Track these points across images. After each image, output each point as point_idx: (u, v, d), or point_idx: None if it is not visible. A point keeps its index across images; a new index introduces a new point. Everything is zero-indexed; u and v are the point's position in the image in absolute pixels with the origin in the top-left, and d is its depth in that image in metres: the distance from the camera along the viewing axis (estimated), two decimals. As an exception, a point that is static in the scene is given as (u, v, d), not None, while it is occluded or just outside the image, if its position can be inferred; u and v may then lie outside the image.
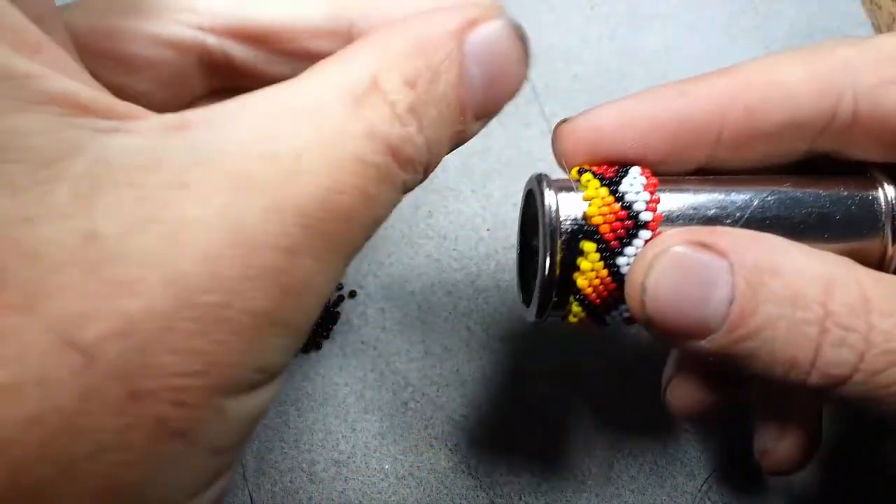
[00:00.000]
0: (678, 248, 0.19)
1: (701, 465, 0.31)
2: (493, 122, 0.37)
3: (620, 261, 0.20)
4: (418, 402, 0.32)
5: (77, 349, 0.12)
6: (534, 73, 0.38)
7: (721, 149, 0.22)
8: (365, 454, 0.31)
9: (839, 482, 0.31)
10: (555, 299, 0.21)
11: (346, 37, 0.21)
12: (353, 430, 0.32)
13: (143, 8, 0.20)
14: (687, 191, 0.21)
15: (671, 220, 0.21)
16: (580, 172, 0.21)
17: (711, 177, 0.22)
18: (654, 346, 0.33)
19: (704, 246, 0.19)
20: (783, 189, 0.21)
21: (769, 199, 0.21)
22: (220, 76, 0.22)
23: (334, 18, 0.21)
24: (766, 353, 0.18)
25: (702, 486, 0.31)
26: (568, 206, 0.21)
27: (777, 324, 0.18)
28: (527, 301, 0.23)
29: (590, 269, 0.20)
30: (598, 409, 0.32)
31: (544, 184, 0.21)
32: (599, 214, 0.20)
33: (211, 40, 0.21)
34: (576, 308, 0.21)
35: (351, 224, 0.15)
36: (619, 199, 0.20)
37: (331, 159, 0.15)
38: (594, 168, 0.21)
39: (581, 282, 0.21)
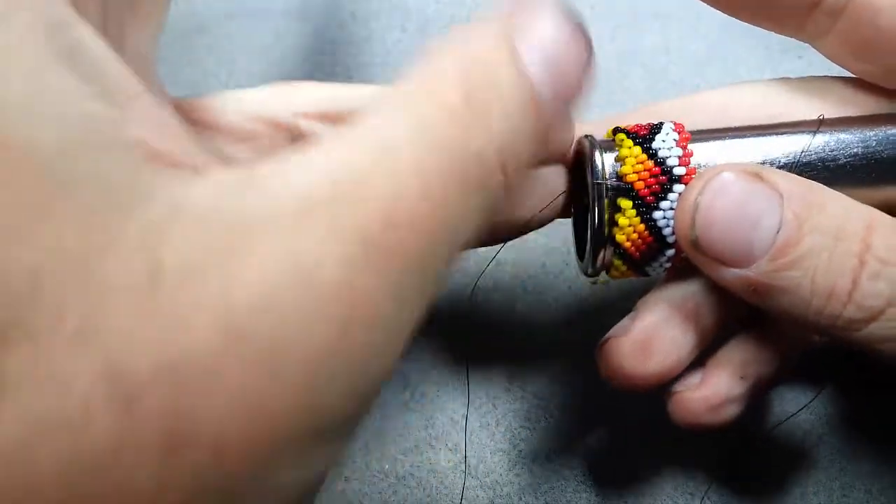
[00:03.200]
0: (733, 174, 0.20)
1: (701, 465, 0.31)
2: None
3: (657, 215, 0.21)
4: (418, 402, 0.32)
5: (121, 386, 0.12)
6: (533, 74, 0.38)
7: None
8: (365, 454, 0.31)
9: (840, 485, 0.31)
10: (604, 254, 0.22)
11: None
12: (353, 430, 0.32)
13: (246, 97, 0.24)
14: (721, 140, 0.22)
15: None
16: (615, 132, 0.22)
17: (746, 125, 0.22)
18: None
19: (757, 176, 0.20)
20: (825, 131, 0.22)
21: (812, 142, 0.22)
22: None
23: None
24: (806, 284, 0.19)
25: (703, 498, 0.31)
26: (608, 166, 0.22)
27: (819, 254, 0.19)
28: (581, 256, 0.24)
29: (627, 225, 0.21)
30: (598, 409, 0.32)
31: (588, 145, 0.22)
32: (633, 172, 0.21)
33: (302, 122, 0.24)
34: (616, 262, 0.23)
35: (420, 235, 0.14)
36: (653, 155, 0.21)
37: (390, 172, 0.14)
38: (628, 127, 0.22)
39: (619, 237, 0.22)
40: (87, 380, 0.12)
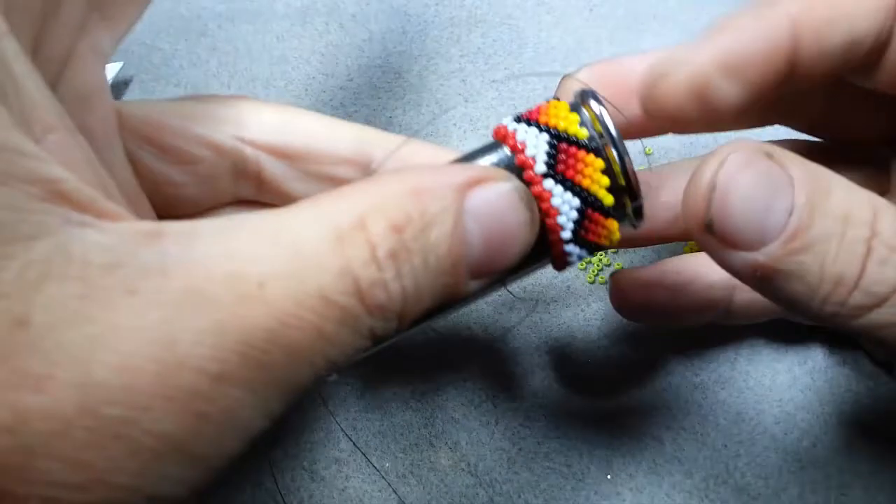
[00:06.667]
0: (748, 154, 0.19)
1: (698, 464, 0.31)
2: (493, 124, 0.37)
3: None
4: (418, 400, 0.32)
5: None
6: (533, 76, 0.38)
7: (793, 75, 0.21)
8: (365, 452, 0.31)
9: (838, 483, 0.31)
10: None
11: (365, 168, 0.23)
12: (354, 428, 0.32)
13: (197, 114, 0.23)
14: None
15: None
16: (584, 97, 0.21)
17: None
18: (654, 345, 0.33)
19: (770, 156, 0.19)
20: None
21: None
22: (248, 184, 0.25)
23: (357, 150, 0.23)
24: (815, 269, 0.18)
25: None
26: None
27: (829, 240, 0.18)
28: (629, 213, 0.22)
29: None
30: (597, 407, 0.32)
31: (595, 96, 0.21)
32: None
33: (248, 150, 0.23)
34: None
35: (296, 360, 0.14)
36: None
37: (293, 292, 0.14)
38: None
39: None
40: None
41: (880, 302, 0.18)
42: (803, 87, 0.22)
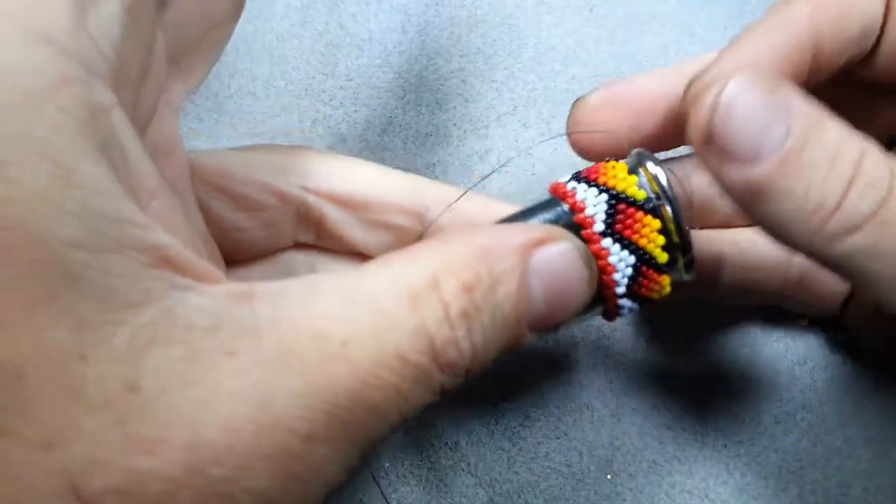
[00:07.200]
0: (754, 78, 0.20)
1: (699, 463, 0.31)
2: (492, 124, 0.37)
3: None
4: (418, 401, 0.32)
5: (78, 497, 0.12)
6: (533, 75, 0.38)
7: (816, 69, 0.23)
8: (365, 453, 0.31)
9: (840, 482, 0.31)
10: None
11: (421, 217, 0.25)
12: (354, 428, 0.32)
13: (265, 164, 0.24)
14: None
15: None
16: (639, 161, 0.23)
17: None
18: (654, 345, 0.33)
19: (775, 86, 0.20)
20: None
21: None
22: (309, 230, 0.26)
23: (412, 200, 0.25)
24: (801, 192, 0.19)
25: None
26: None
27: (818, 169, 0.19)
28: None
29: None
30: (596, 407, 0.32)
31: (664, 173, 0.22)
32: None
33: (311, 198, 0.25)
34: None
35: (375, 418, 0.15)
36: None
37: (374, 350, 0.15)
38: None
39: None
40: (45, 487, 0.12)
41: (855, 229, 0.19)
42: (819, 80, 0.24)
